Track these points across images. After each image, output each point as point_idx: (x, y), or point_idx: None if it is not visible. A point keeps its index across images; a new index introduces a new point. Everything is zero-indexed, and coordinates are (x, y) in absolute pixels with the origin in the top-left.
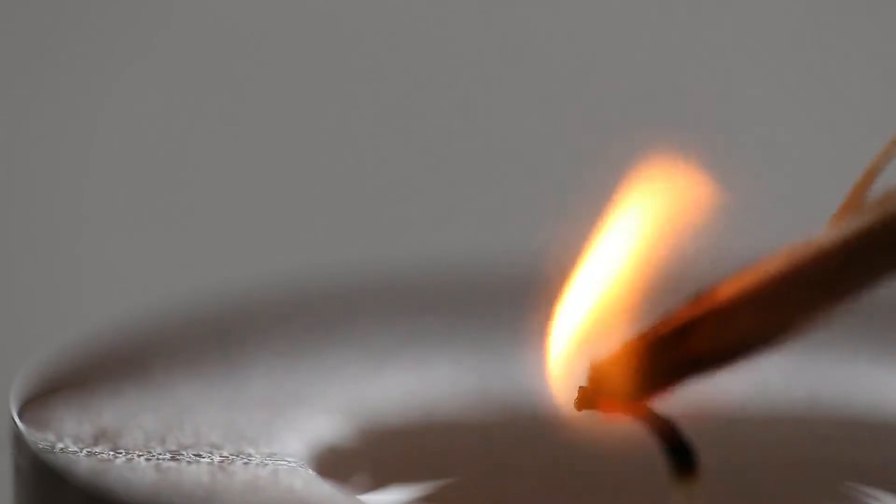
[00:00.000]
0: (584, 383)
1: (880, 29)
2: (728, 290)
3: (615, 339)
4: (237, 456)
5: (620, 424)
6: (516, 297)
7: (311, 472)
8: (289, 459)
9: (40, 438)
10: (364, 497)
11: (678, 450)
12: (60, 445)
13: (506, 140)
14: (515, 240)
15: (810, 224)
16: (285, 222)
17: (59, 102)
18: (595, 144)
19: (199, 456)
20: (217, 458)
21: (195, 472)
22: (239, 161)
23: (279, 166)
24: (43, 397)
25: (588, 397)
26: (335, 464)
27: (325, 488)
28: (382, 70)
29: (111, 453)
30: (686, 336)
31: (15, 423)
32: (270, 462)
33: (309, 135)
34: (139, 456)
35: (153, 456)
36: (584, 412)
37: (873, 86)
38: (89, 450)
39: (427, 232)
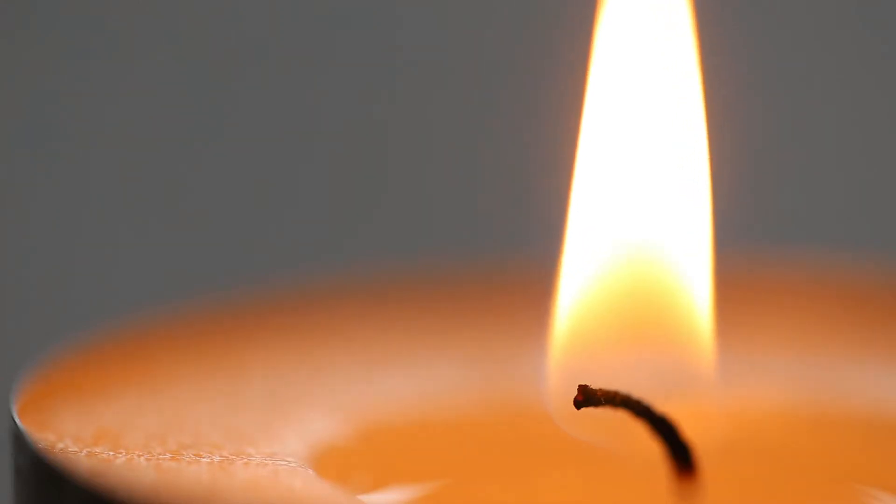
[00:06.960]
0: (583, 382)
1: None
2: None
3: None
4: (237, 456)
5: (620, 424)
6: (517, 297)
7: (311, 472)
8: (289, 459)
9: (40, 438)
10: (364, 497)
11: (678, 450)
12: (60, 445)
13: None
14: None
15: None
16: (285, 222)
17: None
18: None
19: (199, 456)
20: (217, 458)
21: (195, 472)
22: (239, 160)
23: (279, 166)
24: (43, 397)
25: (588, 396)
26: (335, 464)
27: (325, 488)
28: (384, 69)
29: (111, 453)
30: None
31: (15, 423)
32: (270, 462)
33: (309, 134)
34: (139, 456)
35: (153, 456)
36: (584, 411)
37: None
38: (89, 450)
39: (427, 232)
